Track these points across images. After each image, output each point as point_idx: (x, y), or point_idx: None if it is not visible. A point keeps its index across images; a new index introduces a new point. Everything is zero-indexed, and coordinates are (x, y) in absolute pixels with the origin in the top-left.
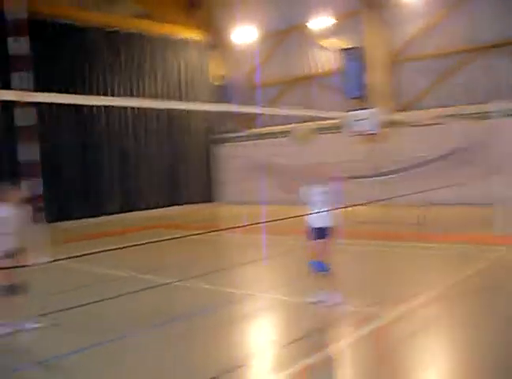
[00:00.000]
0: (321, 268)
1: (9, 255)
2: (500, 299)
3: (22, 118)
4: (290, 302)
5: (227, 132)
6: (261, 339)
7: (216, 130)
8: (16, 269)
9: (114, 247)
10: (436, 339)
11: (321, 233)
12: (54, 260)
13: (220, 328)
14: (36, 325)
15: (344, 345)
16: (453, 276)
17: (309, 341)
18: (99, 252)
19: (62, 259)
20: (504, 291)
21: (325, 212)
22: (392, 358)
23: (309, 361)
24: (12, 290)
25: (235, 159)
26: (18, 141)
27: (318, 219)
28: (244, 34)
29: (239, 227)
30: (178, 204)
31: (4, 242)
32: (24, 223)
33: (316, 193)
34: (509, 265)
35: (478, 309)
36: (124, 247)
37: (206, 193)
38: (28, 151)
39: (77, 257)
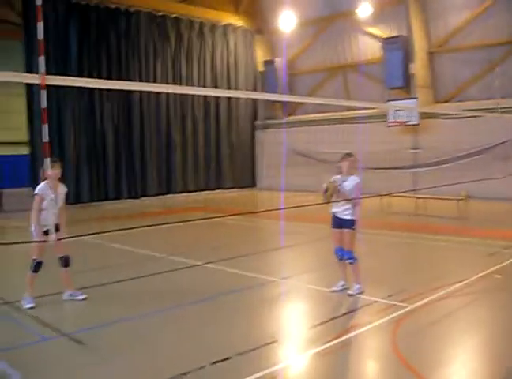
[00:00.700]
0: (349, 256)
1: (57, 229)
2: None
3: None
4: (314, 289)
5: (269, 118)
6: (286, 322)
7: (259, 116)
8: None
9: (144, 225)
10: (452, 331)
11: (346, 222)
12: (81, 236)
13: (246, 310)
14: (81, 296)
15: (365, 332)
16: (480, 272)
17: (331, 326)
18: (128, 229)
19: (88, 235)
20: None
21: (350, 203)
22: (409, 347)
23: (332, 344)
24: (65, 261)
25: (276, 145)
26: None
27: (343, 210)
28: (289, 20)
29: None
30: (222, 189)
31: (55, 216)
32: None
33: (344, 183)
34: None
35: (497, 307)
36: (151, 225)
37: (250, 178)
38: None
39: (108, 232)
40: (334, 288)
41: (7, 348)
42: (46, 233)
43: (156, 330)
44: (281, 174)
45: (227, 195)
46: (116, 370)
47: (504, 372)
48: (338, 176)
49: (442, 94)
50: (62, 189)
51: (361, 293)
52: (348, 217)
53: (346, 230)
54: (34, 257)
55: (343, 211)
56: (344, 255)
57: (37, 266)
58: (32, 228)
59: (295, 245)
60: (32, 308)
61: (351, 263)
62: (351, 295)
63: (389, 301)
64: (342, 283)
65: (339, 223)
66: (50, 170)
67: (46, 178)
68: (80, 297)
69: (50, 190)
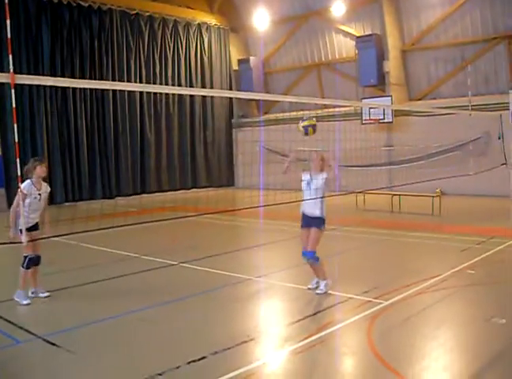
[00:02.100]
0: (311, 256)
1: (36, 228)
2: (492, 295)
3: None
4: (290, 287)
5: (245, 116)
6: (262, 320)
7: (235, 115)
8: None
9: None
10: (427, 327)
11: (315, 221)
12: (55, 236)
13: (221, 309)
14: (44, 294)
15: (340, 329)
16: (453, 267)
17: (307, 324)
18: (103, 229)
19: (64, 235)
20: (499, 286)
21: (319, 201)
22: (384, 343)
23: (308, 341)
24: (36, 260)
25: (252, 143)
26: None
27: (312, 208)
28: (263, 18)
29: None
30: (198, 188)
31: (37, 215)
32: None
33: (312, 180)
34: (510, 260)
35: (470, 302)
36: (125, 225)
37: (229, 177)
38: None
39: (82, 232)
40: (310, 286)
41: None
42: (28, 230)
43: (131, 330)
44: (258, 172)
45: (202, 194)
46: (92, 372)
47: (476, 365)
48: (307, 173)
49: (415, 92)
50: (46, 189)
51: (328, 290)
52: (318, 215)
53: (313, 229)
54: (25, 254)
55: (311, 207)
56: (305, 255)
57: (29, 262)
58: (13, 225)
59: (272, 243)
60: (28, 304)
61: (312, 264)
62: (319, 294)
63: (365, 297)
64: (316, 280)
65: (308, 221)
66: (39, 167)
67: (29, 177)
68: (43, 294)
69: (34, 188)
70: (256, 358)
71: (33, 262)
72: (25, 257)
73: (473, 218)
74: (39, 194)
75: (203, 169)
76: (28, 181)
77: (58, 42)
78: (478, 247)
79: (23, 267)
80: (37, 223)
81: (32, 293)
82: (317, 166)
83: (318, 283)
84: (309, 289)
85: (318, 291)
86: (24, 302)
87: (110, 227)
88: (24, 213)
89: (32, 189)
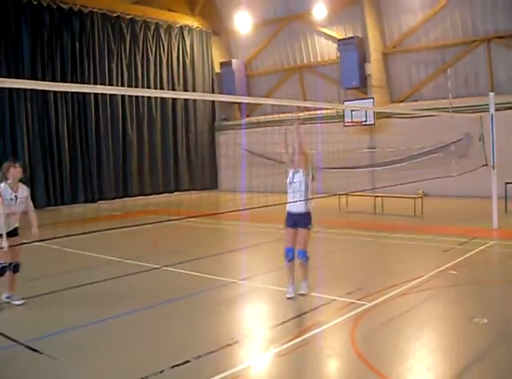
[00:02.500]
0: (304, 256)
1: (17, 233)
2: (474, 295)
3: None
4: (273, 289)
5: (227, 119)
6: (246, 323)
7: (217, 118)
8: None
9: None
10: (410, 328)
11: (302, 220)
12: (37, 241)
13: (205, 312)
14: (19, 302)
15: (324, 330)
16: (436, 268)
17: (291, 326)
18: (86, 233)
19: (46, 240)
20: (481, 286)
21: (304, 195)
22: (367, 344)
23: (292, 343)
24: (15, 267)
25: (235, 146)
26: None
27: (298, 204)
28: (245, 21)
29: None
30: (180, 191)
31: (14, 220)
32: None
33: (297, 178)
34: (494, 260)
35: (453, 302)
36: (108, 229)
37: (212, 180)
38: None
39: (65, 237)
40: (288, 295)
41: None
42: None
43: (114, 335)
44: (241, 175)
45: (185, 197)
46: (75, 378)
47: (459, 365)
48: (290, 168)
49: (397, 94)
50: (23, 191)
51: (309, 293)
52: (303, 210)
53: (301, 229)
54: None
55: (296, 204)
56: (299, 255)
57: (2, 271)
58: None
59: (255, 245)
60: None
61: (303, 262)
62: (303, 295)
63: (348, 299)
64: (292, 286)
65: (294, 220)
66: (12, 168)
67: (7, 179)
68: (17, 302)
69: (10, 190)
70: (240, 361)
71: (5, 271)
72: None
73: (455, 219)
74: (15, 196)
75: (186, 172)
76: (2, 183)
77: (38, 45)
78: (460, 248)
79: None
80: (16, 228)
81: (7, 298)
82: (299, 162)
83: (295, 289)
84: (288, 298)
85: (301, 291)
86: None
87: (93, 232)
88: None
89: (7, 191)
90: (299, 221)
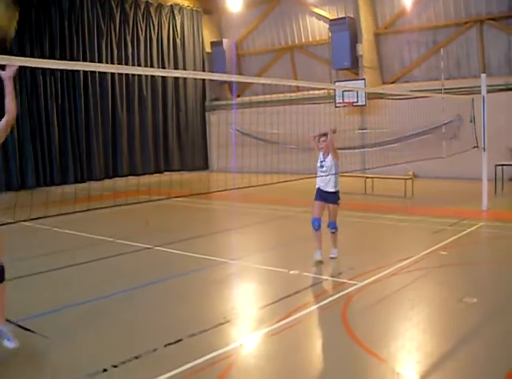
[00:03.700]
0: (334, 226)
1: None
2: (464, 275)
3: None
4: (264, 269)
5: (218, 99)
6: (237, 302)
7: (207, 97)
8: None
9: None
10: (401, 307)
11: (331, 196)
12: (26, 220)
13: (197, 291)
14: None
15: (315, 310)
16: (426, 249)
17: (282, 305)
18: (77, 212)
19: (37, 219)
20: (470, 267)
21: (332, 179)
22: (359, 323)
23: (283, 322)
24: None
25: (225, 126)
26: None
27: (326, 185)
28: (236, 0)
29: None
30: (171, 171)
31: None
32: None
33: (324, 161)
34: (484, 241)
35: (443, 282)
36: (98, 208)
37: (203, 160)
38: None
39: (55, 216)
40: (316, 257)
41: None
42: None
43: (106, 315)
44: (232, 155)
45: (176, 177)
46: (67, 356)
47: (449, 344)
48: (321, 153)
49: (388, 75)
50: None
51: (337, 256)
52: (332, 190)
53: (331, 205)
54: None
55: (326, 183)
56: (330, 225)
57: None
58: None
59: (247, 226)
60: None
61: (333, 232)
62: (333, 258)
63: (339, 279)
64: (319, 252)
65: (323, 196)
66: None
67: None
68: (10, 344)
69: None
70: (232, 339)
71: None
72: None
73: (445, 200)
74: None
75: (176, 152)
76: None
77: (26, 22)
78: (450, 229)
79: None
80: None
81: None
82: (326, 149)
83: (322, 254)
84: (319, 261)
85: (332, 255)
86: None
87: (83, 211)
88: None
89: None
90: (329, 198)
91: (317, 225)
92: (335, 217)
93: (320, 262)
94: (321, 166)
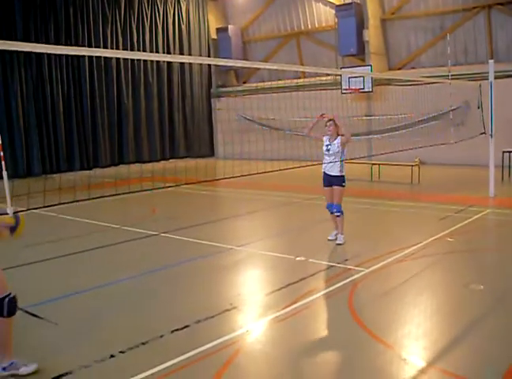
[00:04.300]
0: (338, 210)
1: None
2: (470, 262)
3: None
4: (271, 255)
5: (223, 86)
6: (244, 288)
7: (213, 84)
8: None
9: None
10: (407, 294)
11: (336, 179)
12: (34, 209)
13: (203, 278)
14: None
15: (322, 296)
16: (433, 236)
17: (289, 292)
18: (84, 200)
19: (43, 207)
20: (477, 253)
21: (338, 163)
22: (365, 310)
23: (290, 309)
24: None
25: (231, 113)
26: None
27: (332, 168)
28: None
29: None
30: (177, 158)
31: None
32: None
33: (330, 145)
34: (490, 228)
35: (450, 269)
36: (104, 196)
37: (209, 147)
38: None
39: (62, 204)
40: (329, 237)
41: None
42: None
43: (113, 301)
44: (237, 142)
45: (182, 164)
46: (75, 343)
47: (456, 331)
48: (326, 137)
49: (395, 61)
50: None
51: (344, 242)
52: (337, 174)
53: (336, 187)
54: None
55: (331, 167)
56: (333, 208)
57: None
58: None
59: (252, 212)
60: None
61: (338, 216)
62: (339, 244)
63: (346, 265)
64: (335, 232)
65: (329, 180)
66: None
67: None
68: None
69: None
70: (239, 326)
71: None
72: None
73: (452, 187)
74: None
75: (182, 139)
76: None
77: (31, 9)
78: (457, 215)
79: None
80: None
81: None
82: (333, 133)
83: (336, 234)
84: (329, 240)
85: (338, 242)
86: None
87: (90, 199)
88: None
89: None
90: (334, 181)
91: (331, 209)
92: (339, 199)
93: (330, 240)
94: (328, 150)
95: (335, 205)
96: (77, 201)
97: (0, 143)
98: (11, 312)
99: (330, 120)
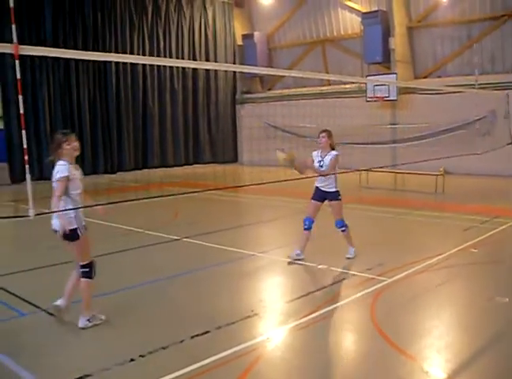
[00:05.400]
0: (341, 225)
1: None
2: (495, 274)
3: None
4: (293, 262)
5: (248, 92)
6: (265, 295)
7: (238, 90)
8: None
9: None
10: (430, 304)
11: (332, 195)
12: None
13: (225, 284)
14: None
15: (344, 305)
16: (457, 246)
17: (311, 300)
18: (107, 203)
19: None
20: (502, 265)
21: (331, 178)
22: (387, 320)
23: (311, 317)
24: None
25: (255, 119)
26: None
27: (326, 185)
28: None
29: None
30: (201, 163)
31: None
32: None
33: (323, 160)
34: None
35: (473, 280)
36: (128, 200)
37: (232, 153)
38: None
39: (85, 207)
40: (290, 259)
41: None
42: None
43: (134, 304)
44: (261, 148)
45: (205, 170)
46: (95, 345)
47: (478, 344)
48: (315, 152)
49: (421, 69)
50: (79, 170)
51: (355, 256)
52: (333, 190)
53: (334, 201)
54: (86, 261)
55: (326, 184)
56: (337, 224)
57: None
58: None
59: (274, 219)
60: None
61: (343, 231)
62: (349, 258)
63: (368, 274)
64: (298, 252)
65: (322, 195)
66: (65, 144)
67: (60, 156)
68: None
69: (73, 169)
70: (259, 332)
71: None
72: (88, 264)
73: (477, 197)
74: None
75: (207, 145)
76: (61, 161)
77: (60, 15)
78: (481, 226)
79: (91, 277)
80: None
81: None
82: (325, 145)
83: (298, 255)
84: (289, 263)
85: (348, 256)
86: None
87: (114, 202)
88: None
89: (73, 171)
90: (329, 196)
91: (307, 224)
92: (340, 215)
93: (290, 263)
94: (321, 166)
95: (338, 221)
96: (100, 205)
97: (25, 147)
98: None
99: (324, 131)
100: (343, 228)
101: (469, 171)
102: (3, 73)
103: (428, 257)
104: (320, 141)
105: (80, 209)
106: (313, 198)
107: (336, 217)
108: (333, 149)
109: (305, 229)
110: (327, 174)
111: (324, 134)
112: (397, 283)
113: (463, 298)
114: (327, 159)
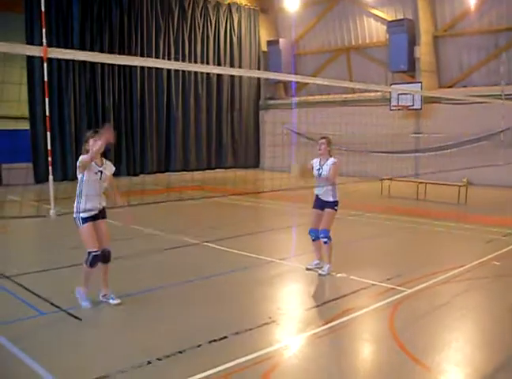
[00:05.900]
0: (325, 235)
1: (104, 216)
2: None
3: None
4: (312, 270)
5: (272, 98)
6: (284, 302)
7: (262, 96)
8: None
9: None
10: (449, 316)
11: (329, 204)
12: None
13: (243, 290)
14: (115, 302)
15: (362, 314)
16: (479, 258)
17: (329, 308)
18: (127, 206)
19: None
20: None
21: (330, 187)
22: (405, 331)
23: (329, 325)
24: (104, 257)
25: (278, 125)
26: None
27: (325, 194)
28: (293, 0)
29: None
30: (223, 168)
31: (101, 201)
32: None
33: (322, 167)
34: None
35: (495, 293)
36: (150, 203)
37: (255, 158)
38: None
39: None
40: (308, 266)
41: (4, 322)
42: (93, 219)
43: (153, 308)
44: (284, 154)
45: (227, 174)
46: (112, 347)
47: (499, 358)
48: (316, 159)
49: (446, 79)
50: (111, 167)
51: (329, 273)
52: (330, 199)
53: (327, 209)
54: (90, 250)
55: (324, 193)
56: (320, 233)
57: (94, 260)
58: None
59: (295, 226)
60: (87, 307)
61: (325, 242)
62: (321, 275)
63: (388, 284)
64: (317, 261)
65: (321, 204)
66: (92, 139)
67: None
68: (113, 301)
69: (94, 163)
70: (277, 340)
71: (98, 260)
72: (89, 253)
73: (500, 209)
74: (100, 171)
75: (229, 149)
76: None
77: (88, 18)
78: (504, 239)
79: (86, 264)
80: (103, 209)
81: (103, 296)
82: (324, 152)
83: (317, 264)
84: (307, 269)
85: (320, 272)
86: (83, 304)
87: (134, 205)
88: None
89: (92, 164)
90: (326, 205)
91: (313, 236)
92: (328, 224)
93: (308, 270)
94: (320, 175)
95: (323, 230)
96: (121, 207)
97: (49, 148)
98: (109, 260)
99: (323, 138)
100: (325, 239)
101: (493, 182)
102: (31, 75)
103: (449, 269)
104: (319, 148)
105: (94, 202)
106: (314, 207)
107: (323, 226)
108: (331, 156)
109: (313, 240)
110: (333, 184)
111: (323, 141)
112: (417, 294)
113: (484, 311)
114: (325, 167)
